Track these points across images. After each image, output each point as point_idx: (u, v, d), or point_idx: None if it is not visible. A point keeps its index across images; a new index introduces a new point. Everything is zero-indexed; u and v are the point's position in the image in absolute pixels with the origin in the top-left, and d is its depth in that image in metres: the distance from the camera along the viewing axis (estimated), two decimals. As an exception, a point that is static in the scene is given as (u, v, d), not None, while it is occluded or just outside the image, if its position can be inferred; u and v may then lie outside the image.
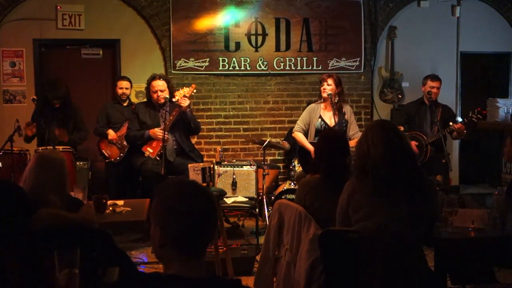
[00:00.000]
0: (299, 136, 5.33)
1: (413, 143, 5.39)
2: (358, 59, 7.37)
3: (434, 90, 5.84)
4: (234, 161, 6.31)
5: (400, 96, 7.45)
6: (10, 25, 6.73)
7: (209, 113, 7.18)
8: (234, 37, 7.13)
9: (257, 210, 5.66)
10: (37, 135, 5.61)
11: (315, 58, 7.28)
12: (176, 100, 5.24)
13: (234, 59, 7.12)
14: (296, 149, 5.55)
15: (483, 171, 7.93)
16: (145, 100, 5.70)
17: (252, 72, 7.20)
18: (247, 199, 5.81)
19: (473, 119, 5.57)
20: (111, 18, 6.94)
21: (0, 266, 1.96)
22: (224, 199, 5.48)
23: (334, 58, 7.32)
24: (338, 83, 5.23)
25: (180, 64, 7.03)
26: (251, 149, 7.21)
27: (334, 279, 2.72)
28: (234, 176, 5.93)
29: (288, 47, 7.23)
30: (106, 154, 5.98)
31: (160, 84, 5.36)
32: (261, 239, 4.54)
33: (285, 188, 5.78)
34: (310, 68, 7.28)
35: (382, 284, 2.64)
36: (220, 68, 7.12)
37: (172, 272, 1.57)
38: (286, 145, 6.42)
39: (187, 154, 5.36)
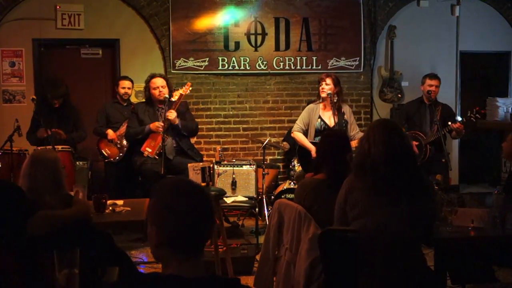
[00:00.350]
0: (298, 135, 5.32)
1: (413, 143, 5.38)
2: (358, 58, 7.37)
3: (433, 88, 5.82)
4: (234, 160, 6.30)
5: (399, 95, 7.45)
6: (9, 25, 6.73)
7: (208, 113, 7.18)
8: (233, 36, 7.13)
9: (256, 209, 5.67)
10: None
11: (314, 58, 7.27)
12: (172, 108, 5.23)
13: (233, 58, 7.12)
14: (296, 149, 5.55)
15: (483, 171, 7.94)
16: (144, 100, 5.70)
17: (252, 72, 7.19)
18: (247, 199, 5.80)
19: (472, 118, 5.58)
20: (111, 18, 6.94)
21: (0, 266, 1.96)
22: (224, 198, 5.47)
23: (334, 58, 7.32)
24: (336, 83, 5.22)
25: (180, 63, 7.03)
26: (250, 149, 7.21)
27: (333, 278, 2.72)
28: (233, 176, 5.92)
29: (287, 46, 7.23)
30: (105, 153, 5.98)
31: (160, 81, 5.39)
32: (261, 239, 4.54)
33: (285, 187, 5.80)
34: (309, 67, 7.28)
35: (382, 284, 2.64)
36: (220, 67, 7.12)
37: (171, 272, 1.56)
38: (286, 146, 6.41)
39: (186, 153, 5.36)
